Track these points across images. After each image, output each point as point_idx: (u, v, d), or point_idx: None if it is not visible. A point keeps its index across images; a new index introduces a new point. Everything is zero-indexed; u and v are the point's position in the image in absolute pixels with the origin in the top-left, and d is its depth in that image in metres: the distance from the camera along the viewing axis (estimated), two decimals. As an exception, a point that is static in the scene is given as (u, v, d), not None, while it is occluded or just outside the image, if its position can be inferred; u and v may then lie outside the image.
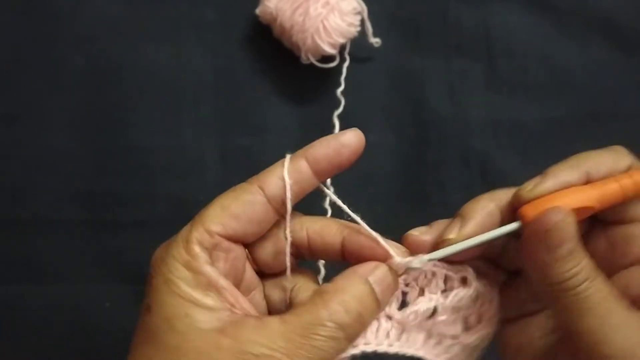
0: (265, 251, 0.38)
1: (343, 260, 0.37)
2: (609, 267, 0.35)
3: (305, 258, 0.39)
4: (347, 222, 0.38)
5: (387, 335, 0.36)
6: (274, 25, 0.58)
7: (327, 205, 0.39)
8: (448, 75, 0.62)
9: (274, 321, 0.33)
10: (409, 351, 0.37)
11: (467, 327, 0.38)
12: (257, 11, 0.59)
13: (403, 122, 0.62)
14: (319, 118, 0.60)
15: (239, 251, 0.36)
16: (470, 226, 0.36)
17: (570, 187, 0.35)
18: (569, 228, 0.33)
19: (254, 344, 0.32)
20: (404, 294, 0.37)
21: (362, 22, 0.59)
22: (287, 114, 0.61)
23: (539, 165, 0.61)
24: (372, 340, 0.36)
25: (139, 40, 0.60)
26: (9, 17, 0.60)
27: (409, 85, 0.62)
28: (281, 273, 0.38)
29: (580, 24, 0.63)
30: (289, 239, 0.37)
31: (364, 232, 0.37)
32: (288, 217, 0.36)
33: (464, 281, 0.37)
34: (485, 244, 0.36)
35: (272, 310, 0.39)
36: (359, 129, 0.60)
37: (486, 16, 0.62)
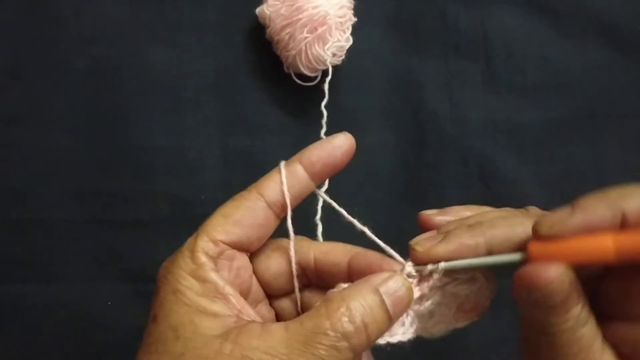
0: (269, 272, 0.38)
1: (350, 282, 0.37)
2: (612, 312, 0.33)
3: (311, 282, 0.39)
4: (353, 246, 0.38)
5: (403, 324, 0.36)
6: (266, 30, 0.59)
7: (319, 207, 0.40)
8: (446, 76, 0.62)
9: (277, 328, 0.33)
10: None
11: (458, 312, 0.37)
12: (257, 11, 0.59)
13: (402, 122, 0.62)
14: (318, 119, 0.61)
15: (243, 260, 0.37)
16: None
17: (598, 229, 0.30)
18: (561, 287, 0.31)
19: (255, 350, 0.32)
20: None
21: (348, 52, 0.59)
22: (287, 115, 0.62)
23: (537, 165, 0.61)
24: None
25: (140, 42, 0.61)
26: (11, 18, 0.60)
27: (408, 86, 0.62)
28: (285, 294, 0.39)
29: (577, 25, 0.63)
30: (293, 244, 0.38)
31: (371, 252, 0.37)
32: (289, 215, 0.37)
33: (472, 280, 0.36)
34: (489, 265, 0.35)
35: (280, 320, 0.39)
36: (359, 129, 0.60)
37: (484, 17, 0.62)
